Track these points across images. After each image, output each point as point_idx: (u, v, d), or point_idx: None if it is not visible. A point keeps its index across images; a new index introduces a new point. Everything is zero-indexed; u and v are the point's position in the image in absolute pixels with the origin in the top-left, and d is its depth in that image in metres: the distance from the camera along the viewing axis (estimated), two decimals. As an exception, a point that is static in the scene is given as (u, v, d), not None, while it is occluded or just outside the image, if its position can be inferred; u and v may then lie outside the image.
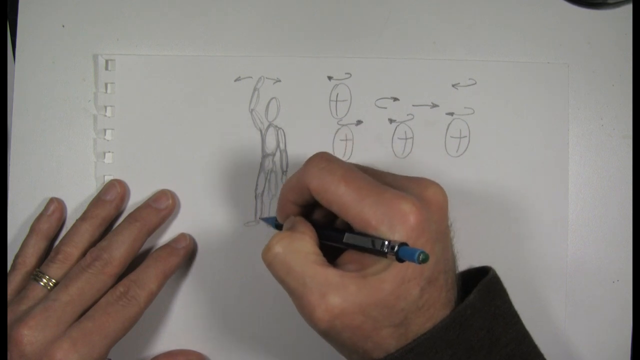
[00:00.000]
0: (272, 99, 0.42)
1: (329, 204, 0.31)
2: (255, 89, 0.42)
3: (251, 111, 0.42)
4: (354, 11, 0.42)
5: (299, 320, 0.41)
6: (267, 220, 0.41)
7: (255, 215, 0.42)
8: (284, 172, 0.42)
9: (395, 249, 0.28)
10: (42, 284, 0.37)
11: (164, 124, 0.42)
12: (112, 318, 0.36)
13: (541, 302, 0.41)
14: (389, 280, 0.29)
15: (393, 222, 0.29)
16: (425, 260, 0.26)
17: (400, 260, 0.28)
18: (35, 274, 0.38)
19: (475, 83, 0.41)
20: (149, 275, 0.38)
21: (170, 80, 0.42)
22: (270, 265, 0.31)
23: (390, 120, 0.41)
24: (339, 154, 0.41)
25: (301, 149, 0.41)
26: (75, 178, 0.42)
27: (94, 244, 0.39)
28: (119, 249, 0.38)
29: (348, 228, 0.31)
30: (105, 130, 0.42)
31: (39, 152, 0.42)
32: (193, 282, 0.42)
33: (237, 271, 0.42)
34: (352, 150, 0.41)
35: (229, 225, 0.42)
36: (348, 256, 0.31)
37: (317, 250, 0.31)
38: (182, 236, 0.41)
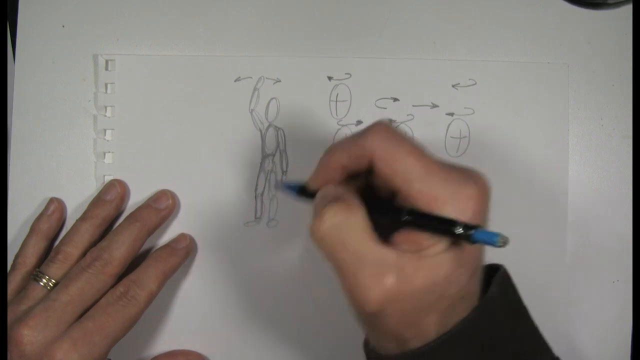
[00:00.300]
0: (272, 99, 0.42)
1: (392, 175, 0.29)
2: (255, 89, 0.42)
3: (251, 111, 0.42)
4: (354, 11, 0.42)
5: (299, 320, 0.41)
6: (290, 188, 0.34)
7: (255, 215, 0.42)
8: (284, 172, 0.42)
9: (472, 231, 0.26)
10: (42, 284, 0.37)
11: (164, 124, 0.42)
12: (112, 318, 0.36)
13: (541, 302, 0.41)
14: (446, 264, 0.28)
15: (459, 204, 0.27)
16: (505, 243, 0.25)
17: (473, 242, 0.27)
18: (35, 274, 0.38)
19: (475, 83, 0.41)
20: (149, 275, 0.38)
21: (170, 80, 0.42)
22: (321, 239, 0.28)
23: (391, 121, 0.41)
24: (339, 154, 0.41)
25: (301, 149, 0.41)
26: (75, 178, 0.42)
27: (94, 244, 0.39)
28: (119, 249, 0.38)
29: (395, 205, 0.29)
30: (105, 130, 0.42)
31: (39, 152, 0.42)
32: (193, 282, 0.42)
33: (237, 271, 0.41)
34: (352, 150, 0.41)
35: (229, 225, 0.42)
36: (403, 236, 0.29)
37: (371, 226, 0.29)
38: (182, 236, 0.41)
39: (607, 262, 0.41)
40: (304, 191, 0.32)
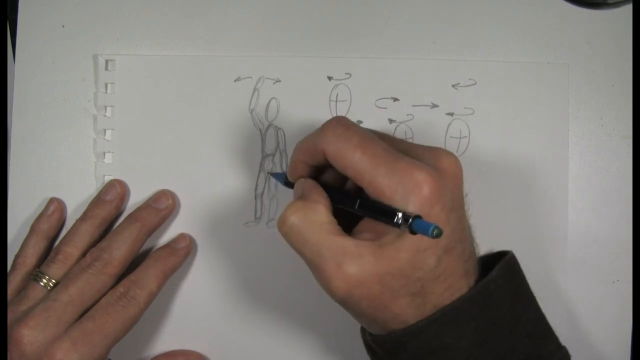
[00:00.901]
0: (272, 99, 0.42)
1: (344, 170, 0.31)
2: (255, 89, 0.42)
3: (251, 111, 0.42)
4: (354, 11, 0.42)
5: (299, 320, 0.41)
6: (277, 176, 0.40)
7: (255, 215, 0.42)
8: (283, 172, 0.42)
9: (409, 221, 0.27)
10: (42, 284, 0.37)
11: (164, 124, 0.42)
12: (112, 318, 0.36)
13: (541, 301, 0.41)
14: (405, 249, 0.29)
15: (407, 192, 0.28)
16: (439, 234, 0.26)
17: (414, 232, 0.28)
18: (35, 274, 0.38)
19: (475, 83, 0.41)
20: (148, 275, 0.38)
21: (170, 80, 0.42)
22: (286, 235, 0.31)
23: (390, 121, 0.41)
24: (339, 154, 0.41)
25: (301, 149, 0.41)
26: (75, 178, 0.42)
27: (94, 244, 0.39)
28: (119, 249, 0.38)
29: (361, 191, 0.31)
30: (105, 130, 0.42)
31: (39, 152, 0.42)
32: (193, 282, 0.42)
33: (237, 271, 0.42)
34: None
35: (229, 225, 0.42)
36: (364, 225, 0.31)
37: (331, 219, 0.31)
38: (182, 236, 0.41)
39: (607, 262, 0.41)
40: (287, 181, 0.36)
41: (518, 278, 0.33)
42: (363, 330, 0.34)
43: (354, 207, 0.31)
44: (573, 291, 0.41)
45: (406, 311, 0.30)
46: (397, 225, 0.28)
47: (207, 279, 0.42)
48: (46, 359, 0.34)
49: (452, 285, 0.30)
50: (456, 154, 0.41)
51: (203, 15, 0.42)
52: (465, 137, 0.41)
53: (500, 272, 0.31)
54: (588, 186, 0.41)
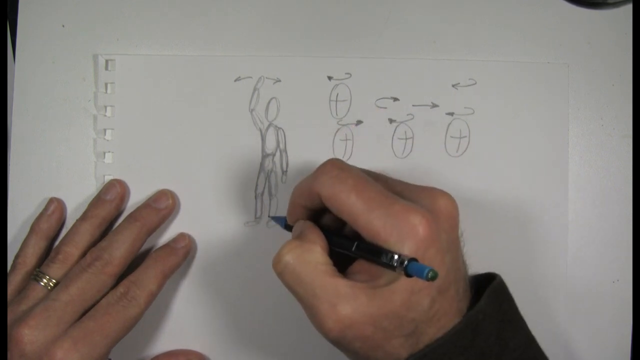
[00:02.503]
0: (272, 99, 0.42)
1: (339, 213, 0.31)
2: (255, 89, 0.42)
3: (251, 111, 0.42)
4: (354, 11, 0.42)
5: (299, 320, 0.41)
6: (277, 220, 0.40)
7: (255, 215, 0.42)
8: (284, 172, 0.42)
9: (405, 264, 0.28)
10: (42, 284, 0.37)
11: (164, 124, 0.42)
12: (113, 318, 0.36)
13: (541, 302, 0.41)
14: (399, 291, 0.29)
15: (402, 235, 0.29)
16: (434, 277, 0.26)
17: (409, 275, 0.28)
18: (35, 274, 0.38)
19: (475, 83, 0.41)
20: (148, 275, 0.38)
21: (170, 80, 0.42)
22: (280, 275, 0.31)
23: (390, 120, 0.41)
24: (339, 154, 0.41)
25: (301, 149, 0.41)
26: (75, 178, 0.42)
27: (94, 244, 0.39)
28: (119, 249, 0.38)
29: (358, 235, 0.31)
30: (105, 130, 0.42)
31: (39, 152, 0.42)
32: (193, 282, 0.42)
33: (237, 271, 0.42)
34: (352, 150, 0.41)
35: (229, 225, 0.42)
36: (358, 266, 0.31)
37: (327, 260, 0.31)
38: (182, 236, 0.41)
39: (607, 262, 0.41)
40: (287, 224, 0.36)
41: (506, 304, 0.33)
42: None
43: (350, 250, 0.31)
44: (573, 291, 0.41)
45: (399, 351, 0.30)
46: (392, 267, 0.28)
47: (207, 279, 0.42)
48: (47, 359, 0.34)
49: (445, 325, 0.30)
50: (456, 154, 0.41)
51: (203, 15, 0.42)
52: (465, 137, 0.41)
53: (487, 300, 0.31)
54: (588, 186, 0.41)
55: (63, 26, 0.42)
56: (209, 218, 0.42)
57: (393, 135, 0.41)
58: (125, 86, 0.42)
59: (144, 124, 0.42)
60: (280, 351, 0.42)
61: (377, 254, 0.29)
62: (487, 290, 0.32)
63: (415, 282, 0.29)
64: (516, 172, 0.41)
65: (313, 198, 0.32)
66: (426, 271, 0.26)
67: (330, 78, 0.41)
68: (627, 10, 0.41)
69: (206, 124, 0.42)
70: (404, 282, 0.29)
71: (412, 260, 0.28)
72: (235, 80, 0.42)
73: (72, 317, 0.35)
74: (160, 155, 0.42)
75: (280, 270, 0.31)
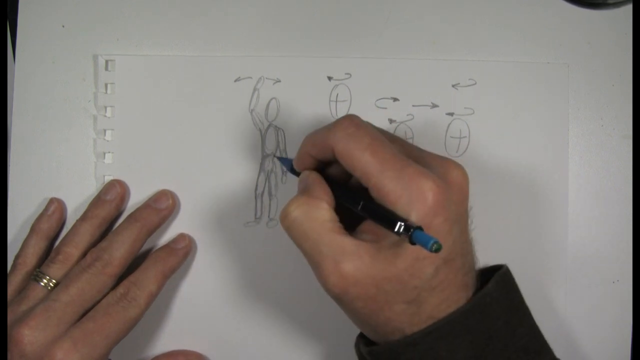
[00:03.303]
0: (272, 99, 0.42)
1: (352, 170, 0.30)
2: (255, 89, 0.42)
3: (251, 111, 0.42)
4: (354, 11, 0.42)
5: (299, 321, 0.41)
6: (283, 161, 0.40)
7: (255, 215, 0.42)
8: (284, 172, 0.42)
9: (410, 232, 0.27)
10: (42, 284, 0.37)
11: (164, 124, 0.42)
12: (113, 319, 0.36)
13: (541, 301, 0.41)
14: (403, 256, 0.29)
15: (412, 199, 0.28)
16: (438, 249, 0.26)
17: (413, 243, 0.27)
18: (35, 274, 0.38)
19: (475, 83, 0.41)
20: (148, 276, 0.38)
21: (170, 80, 0.42)
22: (287, 229, 0.31)
23: (390, 121, 0.41)
24: (339, 154, 0.41)
25: (301, 149, 0.41)
26: (75, 178, 0.42)
27: (94, 244, 0.39)
28: (119, 249, 0.38)
29: (365, 190, 0.31)
30: (105, 130, 0.42)
31: (39, 152, 0.42)
32: (193, 282, 0.42)
33: (237, 271, 0.42)
34: (352, 150, 0.41)
35: (229, 225, 0.42)
36: (366, 225, 0.31)
37: (334, 216, 0.31)
38: (181, 236, 0.41)
39: (607, 262, 0.41)
40: (293, 169, 0.36)
41: (513, 291, 0.33)
42: (357, 342, 0.34)
43: (357, 207, 0.30)
44: (573, 291, 0.41)
45: (400, 318, 0.30)
46: (397, 233, 0.28)
47: (207, 279, 0.42)
48: (47, 359, 0.34)
49: (449, 297, 0.30)
50: (456, 154, 0.41)
51: (203, 15, 0.42)
52: (465, 137, 0.41)
53: (495, 285, 0.31)
54: (588, 186, 0.41)
55: (63, 26, 0.42)
56: (209, 218, 0.42)
57: (393, 135, 0.41)
58: (125, 86, 0.42)
59: (144, 124, 0.42)
60: (280, 351, 0.42)
61: (383, 217, 0.29)
62: (495, 276, 0.32)
63: (420, 249, 0.28)
64: (516, 172, 0.41)
65: (325, 150, 0.32)
66: (431, 242, 0.26)
67: (330, 78, 0.41)
68: (627, 10, 0.41)
69: (206, 124, 0.42)
70: (408, 248, 0.29)
71: (418, 228, 0.27)
72: (235, 81, 0.42)
73: (72, 318, 0.35)
74: (160, 155, 0.42)
75: (288, 225, 0.31)
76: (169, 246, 0.40)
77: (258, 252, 0.41)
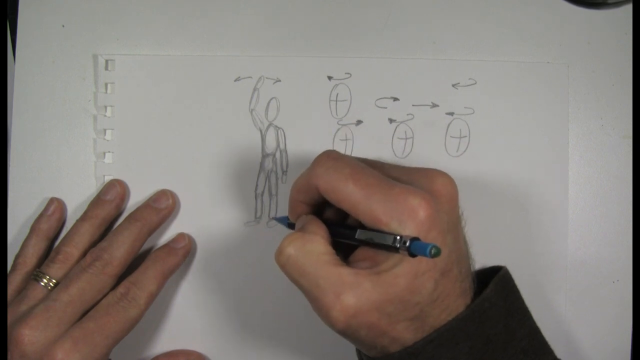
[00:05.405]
0: (272, 99, 0.42)
1: (339, 203, 0.31)
2: (255, 89, 0.42)
3: (251, 111, 0.42)
4: (354, 11, 0.42)
5: (299, 320, 0.41)
6: (280, 220, 0.40)
7: (255, 215, 0.42)
8: (284, 172, 0.42)
9: (407, 244, 0.27)
10: (42, 284, 0.37)
11: (164, 124, 0.42)
12: (113, 319, 0.36)
13: (541, 301, 0.41)
14: (403, 275, 0.29)
15: (402, 218, 0.29)
16: (437, 254, 0.26)
17: (413, 255, 0.28)
18: (35, 274, 0.38)
19: (475, 83, 0.41)
20: (148, 276, 0.38)
21: (170, 80, 0.42)
22: (283, 267, 0.31)
23: (390, 120, 0.41)
24: (339, 154, 0.41)
25: (301, 149, 0.41)
26: (75, 178, 0.42)
27: (94, 244, 0.39)
28: (119, 249, 0.38)
29: (360, 225, 0.31)
30: (105, 130, 0.42)
31: (39, 152, 0.42)
32: (193, 282, 0.42)
33: (237, 271, 0.42)
34: (352, 150, 0.41)
35: (229, 225, 0.42)
36: (361, 253, 0.31)
37: (329, 249, 0.31)
38: (181, 236, 0.41)
39: (607, 262, 0.41)
40: (290, 223, 0.36)
41: (512, 294, 0.33)
42: (360, 351, 0.34)
43: (353, 237, 0.30)
44: (573, 291, 0.41)
45: (404, 335, 0.30)
46: (395, 249, 0.28)
47: (207, 279, 0.42)
48: (47, 359, 0.34)
49: (449, 306, 0.30)
50: (456, 154, 0.41)
51: (203, 15, 0.42)
52: (465, 137, 0.41)
53: (494, 289, 0.32)
54: (588, 186, 0.41)
55: (63, 26, 0.42)
56: (209, 218, 0.42)
57: (393, 135, 0.41)
58: (125, 86, 0.42)
59: (144, 124, 0.42)
60: (280, 351, 0.42)
61: (379, 238, 0.29)
62: (494, 279, 0.32)
63: (419, 265, 0.29)
64: (516, 172, 0.41)
65: (312, 192, 0.32)
66: (429, 248, 0.26)
67: (330, 78, 0.41)
68: (627, 10, 0.41)
69: (206, 124, 0.42)
70: (407, 266, 0.29)
71: (415, 239, 0.28)
72: (235, 80, 0.42)
73: (72, 318, 0.35)
74: (160, 155, 0.42)
75: (283, 263, 0.31)
76: (169, 246, 0.40)
77: (258, 252, 0.41)
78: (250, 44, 0.42)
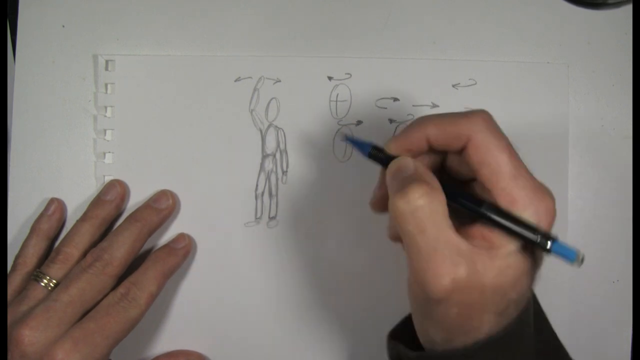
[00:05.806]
0: (272, 99, 0.42)
1: (481, 165, 0.28)
2: (255, 89, 0.42)
3: (251, 111, 0.42)
4: (354, 11, 0.42)
5: (299, 321, 0.41)
6: (358, 144, 0.32)
7: (255, 215, 0.42)
8: (284, 173, 0.42)
9: (550, 241, 0.27)
10: (42, 284, 0.37)
11: (164, 124, 0.42)
12: (113, 319, 0.36)
13: (541, 302, 0.41)
14: (514, 268, 0.28)
15: (538, 213, 0.28)
16: (581, 263, 0.26)
17: (549, 253, 0.27)
18: (35, 275, 0.38)
19: (475, 83, 0.41)
20: (148, 277, 0.38)
21: (170, 80, 0.42)
22: (402, 218, 0.27)
23: (391, 121, 0.41)
24: (339, 154, 0.41)
25: (301, 149, 0.41)
26: (75, 178, 0.42)
27: (94, 244, 0.39)
28: (119, 250, 0.38)
29: (473, 200, 0.29)
30: (105, 130, 0.42)
31: (39, 152, 0.42)
32: (193, 282, 0.42)
33: (237, 271, 0.42)
34: (352, 150, 0.41)
35: (229, 225, 0.42)
36: (477, 230, 0.29)
37: (448, 213, 0.28)
38: (181, 236, 0.41)
39: (607, 262, 0.41)
40: (375, 152, 0.31)
41: (536, 302, 0.32)
42: (393, 346, 0.32)
43: (478, 208, 0.28)
44: (573, 291, 0.41)
45: (483, 328, 0.28)
46: (532, 242, 0.27)
47: (207, 279, 0.42)
48: (47, 359, 0.34)
49: (514, 312, 0.29)
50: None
51: (203, 15, 0.42)
52: (466, 137, 0.41)
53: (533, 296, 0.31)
54: (588, 186, 0.41)
55: (63, 26, 0.42)
56: (209, 218, 0.42)
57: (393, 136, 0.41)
58: (125, 86, 0.42)
59: (144, 124, 0.42)
60: (280, 351, 0.42)
61: (514, 222, 0.27)
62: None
63: (525, 264, 0.28)
64: (516, 172, 0.41)
65: (454, 137, 0.29)
66: (574, 254, 0.25)
67: (330, 78, 0.41)
68: (627, 10, 0.41)
69: (206, 124, 0.42)
70: (521, 259, 0.28)
71: (556, 238, 0.27)
72: (235, 81, 0.42)
73: (72, 318, 0.35)
74: (160, 155, 0.42)
75: (409, 212, 0.27)
76: (169, 246, 0.40)
77: (258, 252, 0.41)
78: (250, 44, 0.42)
